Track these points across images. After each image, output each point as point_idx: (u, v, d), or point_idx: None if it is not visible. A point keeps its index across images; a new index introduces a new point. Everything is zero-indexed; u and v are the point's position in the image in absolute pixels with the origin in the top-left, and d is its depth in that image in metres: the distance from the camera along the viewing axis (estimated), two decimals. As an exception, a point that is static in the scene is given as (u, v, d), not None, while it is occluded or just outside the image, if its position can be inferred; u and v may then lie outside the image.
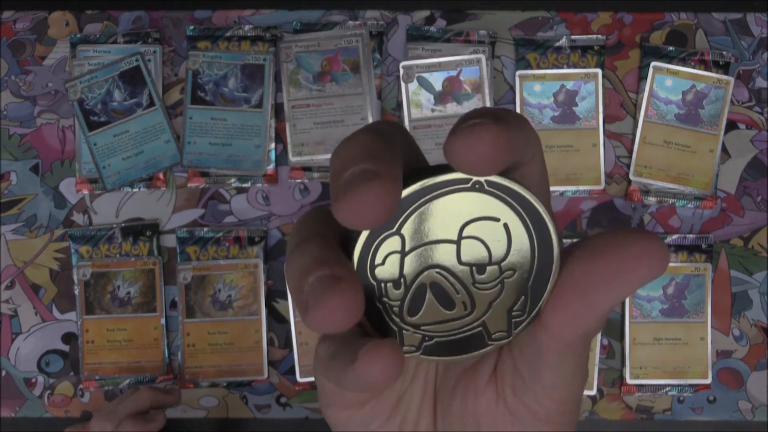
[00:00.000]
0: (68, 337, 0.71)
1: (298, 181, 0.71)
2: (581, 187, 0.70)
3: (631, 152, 0.70)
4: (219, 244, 0.70)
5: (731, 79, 0.69)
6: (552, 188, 0.70)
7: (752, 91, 0.71)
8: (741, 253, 0.70)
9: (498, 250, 0.18)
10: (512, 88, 0.71)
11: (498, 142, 0.15)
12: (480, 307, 0.18)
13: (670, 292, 0.69)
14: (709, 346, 0.69)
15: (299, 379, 0.70)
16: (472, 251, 0.17)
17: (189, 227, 0.71)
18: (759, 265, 0.70)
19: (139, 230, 0.70)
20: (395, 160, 0.16)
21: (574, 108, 0.70)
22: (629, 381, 0.69)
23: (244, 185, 0.71)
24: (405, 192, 0.17)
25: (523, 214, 0.17)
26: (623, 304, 0.69)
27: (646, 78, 0.70)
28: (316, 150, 0.70)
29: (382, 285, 0.18)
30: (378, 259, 0.17)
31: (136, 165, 0.71)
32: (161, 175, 0.71)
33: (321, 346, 0.18)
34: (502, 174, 0.17)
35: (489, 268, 0.18)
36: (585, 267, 0.16)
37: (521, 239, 0.17)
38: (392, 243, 0.17)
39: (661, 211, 0.71)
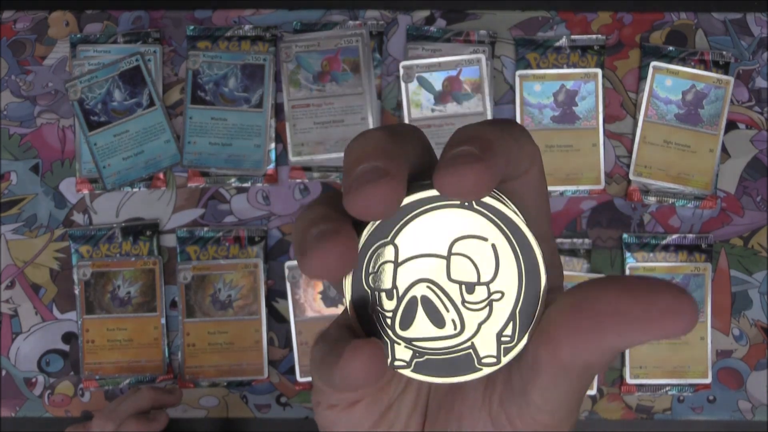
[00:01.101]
0: (68, 337, 0.71)
1: (298, 181, 0.71)
2: (581, 187, 0.70)
3: (630, 152, 0.70)
4: (219, 243, 0.70)
5: (731, 79, 0.69)
6: (552, 188, 0.70)
7: (752, 91, 0.71)
8: (741, 252, 0.70)
9: (486, 271, 0.18)
10: (512, 88, 0.71)
11: (481, 175, 0.16)
12: (469, 328, 0.18)
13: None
14: (709, 345, 0.69)
15: (299, 379, 0.70)
16: (461, 269, 0.18)
17: (189, 227, 0.71)
18: (759, 265, 0.70)
19: (139, 230, 0.71)
20: (404, 161, 0.17)
21: (574, 108, 0.70)
22: (629, 381, 0.69)
23: (244, 185, 0.71)
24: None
25: (511, 237, 0.18)
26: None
27: (646, 78, 0.70)
28: (316, 150, 0.70)
29: (376, 294, 0.18)
30: (372, 268, 0.18)
31: (136, 165, 0.71)
32: (161, 175, 0.71)
33: (315, 347, 0.19)
34: (495, 190, 0.18)
35: (477, 288, 0.18)
36: (612, 298, 0.16)
37: (509, 262, 0.18)
38: (386, 252, 0.18)
39: (661, 210, 0.71)
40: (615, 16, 0.71)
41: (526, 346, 0.18)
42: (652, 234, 0.70)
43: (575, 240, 0.70)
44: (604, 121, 0.71)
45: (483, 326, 0.18)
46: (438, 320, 0.18)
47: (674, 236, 0.70)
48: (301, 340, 0.70)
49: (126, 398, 0.62)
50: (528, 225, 0.18)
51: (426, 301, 0.18)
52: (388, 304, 0.18)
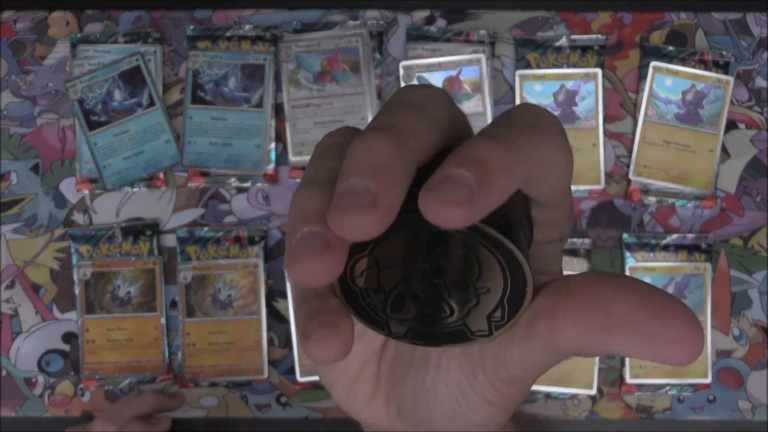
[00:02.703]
0: (68, 337, 0.71)
1: (298, 180, 0.71)
2: (581, 187, 0.70)
3: (630, 152, 0.70)
4: (219, 243, 0.70)
5: (731, 79, 0.69)
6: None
7: (752, 91, 0.71)
8: (741, 252, 0.70)
9: (469, 272, 0.18)
10: (512, 88, 0.71)
11: (468, 212, 0.14)
12: (459, 312, 0.19)
13: (670, 292, 0.69)
14: (709, 345, 0.69)
15: (299, 379, 0.70)
16: (444, 273, 0.18)
17: (189, 227, 0.71)
18: (759, 265, 0.70)
19: (139, 230, 0.71)
20: (400, 188, 0.16)
21: (573, 108, 0.70)
22: (629, 380, 0.69)
23: (244, 185, 0.71)
24: None
25: (492, 248, 0.17)
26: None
27: (645, 78, 0.70)
28: (316, 150, 0.70)
29: (364, 291, 0.19)
30: (356, 273, 0.18)
31: (136, 165, 0.71)
32: (161, 175, 0.71)
33: (299, 307, 0.19)
34: None
35: (463, 286, 0.18)
36: (630, 306, 0.15)
37: (490, 261, 0.17)
38: (367, 263, 0.18)
39: (660, 210, 0.71)
40: (615, 16, 0.71)
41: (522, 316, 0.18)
42: (652, 234, 0.70)
43: (575, 240, 0.70)
44: (604, 121, 0.71)
45: (472, 311, 0.19)
46: (428, 308, 0.19)
47: (674, 236, 0.70)
48: (301, 340, 0.70)
49: (129, 401, 0.62)
50: (510, 238, 0.17)
51: (413, 296, 0.19)
52: (377, 298, 0.19)
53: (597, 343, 0.16)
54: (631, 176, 0.70)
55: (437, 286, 0.18)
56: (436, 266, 0.18)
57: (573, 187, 0.70)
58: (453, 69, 0.70)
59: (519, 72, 0.70)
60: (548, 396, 0.70)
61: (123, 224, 0.71)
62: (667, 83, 0.70)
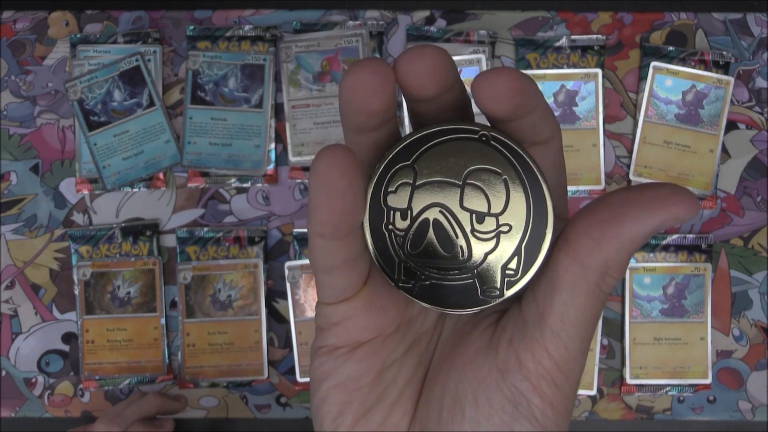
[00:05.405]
0: (68, 337, 0.71)
1: (298, 181, 0.71)
2: (581, 187, 0.70)
3: (631, 152, 0.70)
4: (219, 244, 0.70)
5: (731, 79, 0.69)
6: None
7: (752, 91, 0.71)
8: (741, 253, 0.70)
9: (497, 203, 0.19)
10: (512, 88, 0.71)
11: (513, 81, 0.17)
12: (476, 256, 0.19)
13: (670, 292, 0.69)
14: (709, 346, 0.69)
15: (299, 379, 0.70)
16: (473, 198, 0.19)
17: (189, 227, 0.71)
18: (759, 265, 0.70)
19: (139, 230, 0.70)
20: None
21: (574, 108, 0.70)
22: (629, 381, 0.69)
23: (244, 185, 0.71)
24: (422, 132, 0.19)
25: (523, 175, 0.19)
26: (623, 304, 0.70)
27: (646, 78, 0.70)
28: (316, 150, 0.70)
29: (391, 212, 0.19)
30: (391, 187, 0.19)
31: (136, 165, 0.71)
32: (161, 175, 0.71)
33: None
34: (515, 141, 0.19)
35: (487, 219, 0.19)
36: (622, 193, 0.17)
37: (519, 198, 0.19)
38: (405, 174, 0.19)
39: (661, 211, 0.71)
40: (615, 16, 0.71)
41: (541, 265, 0.19)
42: (652, 234, 0.70)
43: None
44: (604, 121, 0.71)
45: (489, 256, 0.19)
46: (446, 245, 0.19)
47: (674, 236, 0.70)
48: (301, 341, 0.70)
49: (131, 403, 0.62)
50: (540, 169, 0.19)
51: (437, 225, 0.19)
52: (401, 224, 0.19)
53: (614, 234, 0.17)
54: (631, 176, 0.70)
55: (464, 213, 0.19)
56: (467, 187, 0.19)
57: (573, 188, 0.70)
58: (453, 69, 0.70)
59: (519, 72, 0.70)
60: (548, 396, 0.70)
61: (123, 224, 0.71)
62: (667, 83, 0.70)
